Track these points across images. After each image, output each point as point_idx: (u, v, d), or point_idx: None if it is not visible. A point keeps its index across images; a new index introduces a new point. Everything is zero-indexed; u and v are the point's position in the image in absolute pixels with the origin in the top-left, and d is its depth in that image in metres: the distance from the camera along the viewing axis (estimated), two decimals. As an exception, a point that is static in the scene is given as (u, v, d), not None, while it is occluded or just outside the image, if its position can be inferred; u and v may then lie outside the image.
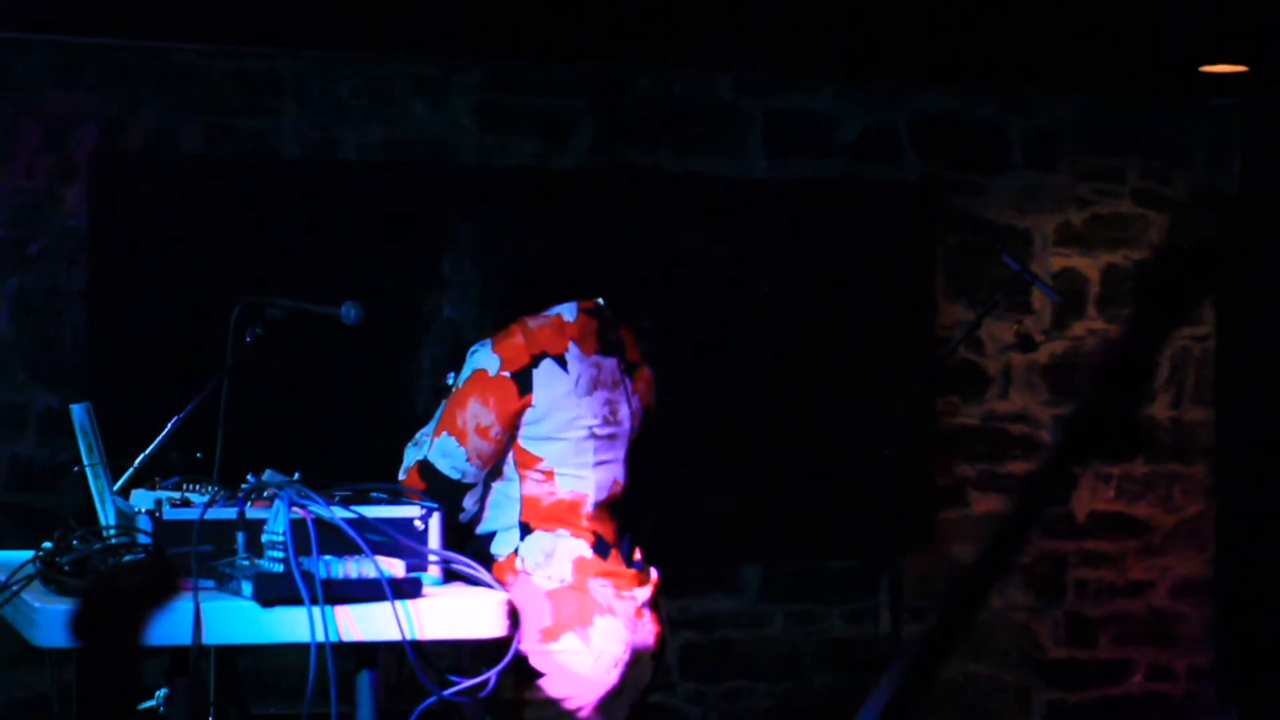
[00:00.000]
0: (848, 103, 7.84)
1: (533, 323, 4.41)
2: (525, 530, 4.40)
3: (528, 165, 7.42)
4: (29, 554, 4.05)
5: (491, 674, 3.96)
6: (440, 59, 7.35)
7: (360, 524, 3.92)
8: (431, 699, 3.92)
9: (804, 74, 7.73)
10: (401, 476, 4.43)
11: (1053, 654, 8.06)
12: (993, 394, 8.03)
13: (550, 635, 4.33)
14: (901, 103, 7.90)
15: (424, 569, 4.02)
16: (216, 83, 7.19)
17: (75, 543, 4.00)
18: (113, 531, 4.04)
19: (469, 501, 4.41)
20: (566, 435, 4.38)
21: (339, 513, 3.91)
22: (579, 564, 4.38)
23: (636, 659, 4.42)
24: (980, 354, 7.99)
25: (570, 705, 4.34)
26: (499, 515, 4.44)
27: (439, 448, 4.37)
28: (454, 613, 3.90)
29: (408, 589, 3.82)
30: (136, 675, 2.21)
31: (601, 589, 4.39)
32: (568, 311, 4.45)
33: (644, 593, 4.47)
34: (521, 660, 4.29)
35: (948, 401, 7.95)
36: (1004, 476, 8.01)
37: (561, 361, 4.38)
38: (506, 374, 4.35)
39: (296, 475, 4.03)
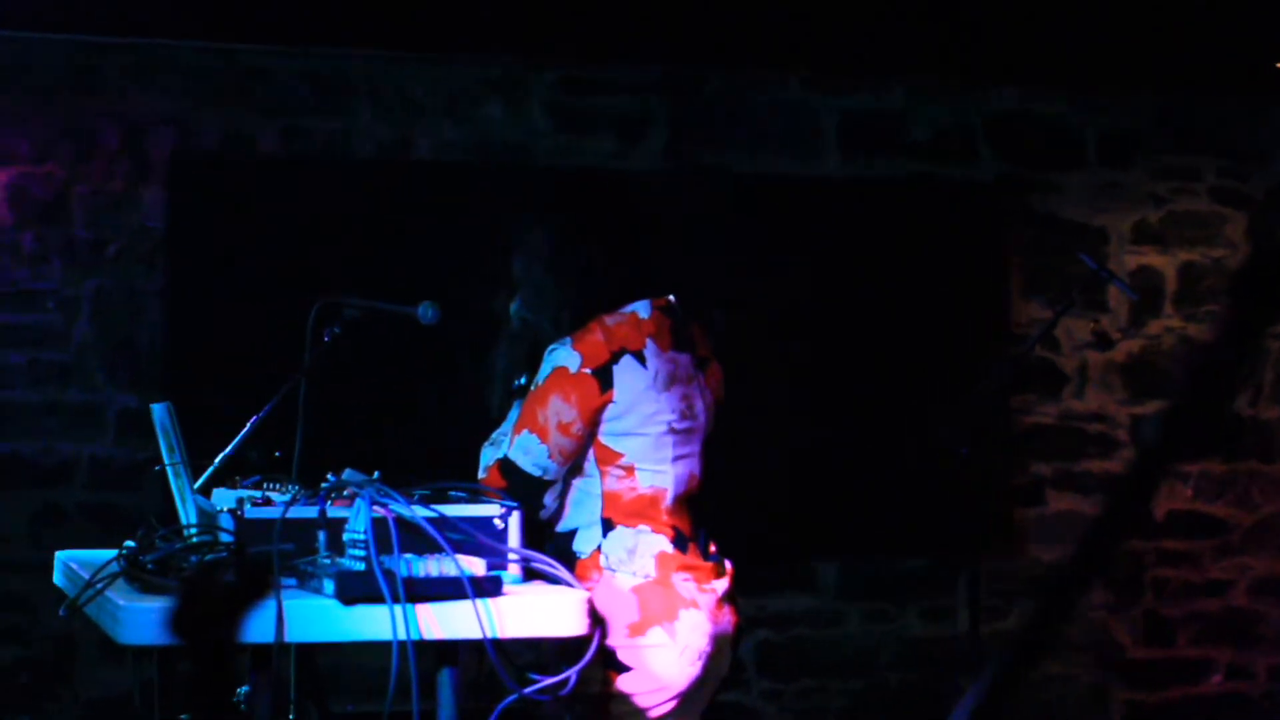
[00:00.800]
0: (921, 101, 7.82)
1: (610, 320, 4.43)
2: (607, 526, 4.42)
3: (601, 166, 7.43)
4: (111, 553, 4.07)
5: (572, 672, 3.97)
6: (514, 60, 7.37)
7: (441, 522, 3.93)
8: (512, 697, 3.93)
9: (876, 72, 7.71)
10: (481, 476, 4.44)
11: (1131, 654, 8.02)
12: (1069, 392, 7.99)
13: (637, 630, 4.35)
14: (975, 101, 7.87)
15: (504, 567, 4.03)
16: (292, 84, 7.23)
17: (158, 541, 4.03)
18: (194, 530, 4.06)
19: (549, 499, 4.43)
20: (646, 430, 4.40)
21: (420, 511, 3.92)
22: (661, 559, 4.40)
23: (719, 649, 4.45)
24: (1056, 352, 7.95)
25: (657, 698, 4.37)
26: (580, 512, 4.45)
27: (520, 445, 4.38)
28: (534, 611, 3.91)
29: (488, 587, 3.83)
30: (228, 672, 2.23)
31: (684, 583, 4.41)
32: (643, 309, 4.47)
33: (722, 584, 4.50)
34: (609, 655, 4.32)
35: (1024, 400, 7.92)
36: (1080, 475, 7.97)
37: (640, 358, 4.40)
38: (587, 370, 4.37)
39: (376, 474, 4.05)
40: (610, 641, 4.32)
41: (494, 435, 4.54)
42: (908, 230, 7.75)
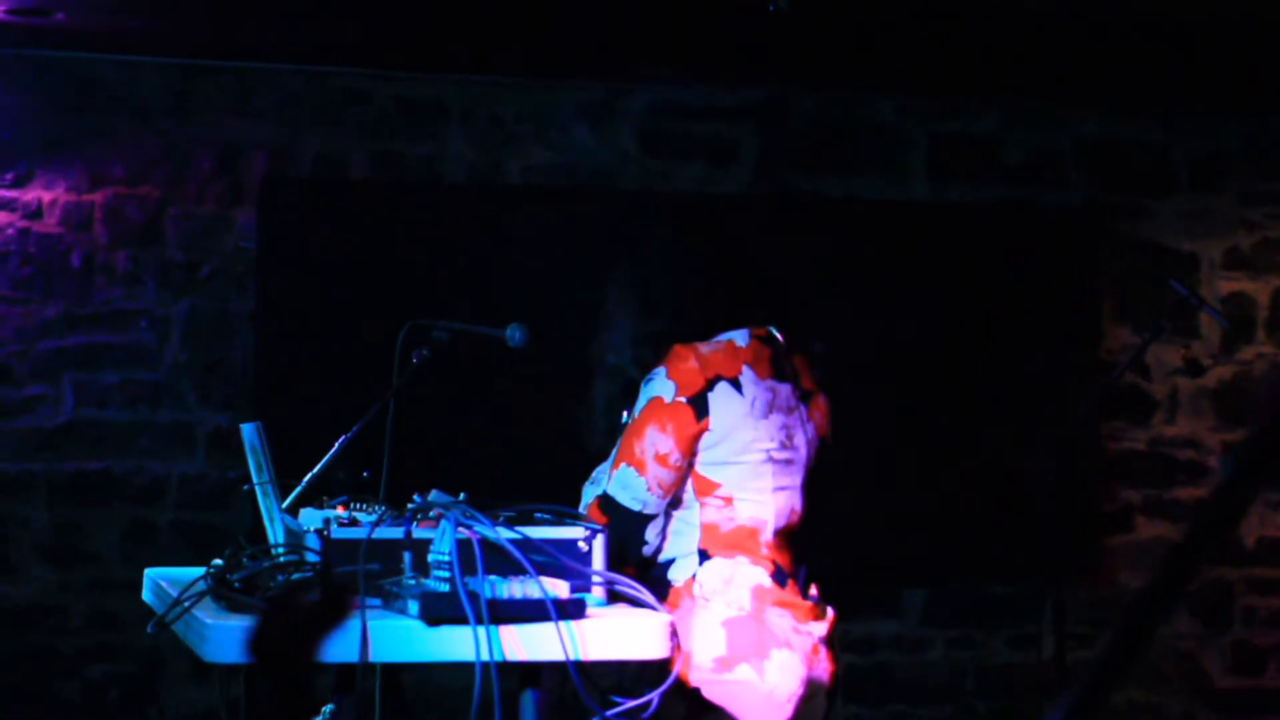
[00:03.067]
0: (1012, 126, 7.80)
1: (705, 348, 4.39)
2: (704, 557, 4.36)
3: (691, 191, 7.44)
4: (199, 571, 4.10)
5: (654, 695, 3.96)
6: (604, 84, 7.39)
7: (525, 544, 3.94)
8: (594, 719, 3.93)
9: (967, 97, 7.69)
10: (581, 514, 4.42)
11: (1219, 683, 7.95)
12: (1159, 419, 7.94)
13: (725, 665, 4.29)
14: (1066, 126, 7.84)
15: (588, 589, 4.03)
16: (383, 108, 7.28)
17: (245, 560, 4.06)
18: (282, 549, 4.09)
19: (651, 534, 4.38)
20: (744, 459, 4.35)
21: (504, 533, 3.93)
22: (757, 592, 4.34)
23: (811, 694, 4.37)
24: (1146, 378, 7.90)
25: None
26: (678, 542, 4.41)
27: (618, 480, 4.35)
28: (617, 633, 3.91)
29: (572, 609, 3.83)
30: (310, 692, 2.25)
31: (779, 619, 4.34)
32: (740, 337, 4.43)
33: (820, 628, 4.43)
34: (694, 690, 4.27)
35: (1113, 426, 7.87)
36: (1170, 502, 7.91)
37: (736, 384, 4.36)
38: (682, 399, 4.33)
39: (462, 496, 4.06)
40: (695, 676, 4.27)
41: (594, 473, 4.52)
42: (997, 256, 7.73)
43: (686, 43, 6.76)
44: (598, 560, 4.09)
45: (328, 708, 4.23)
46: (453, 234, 7.24)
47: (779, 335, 4.48)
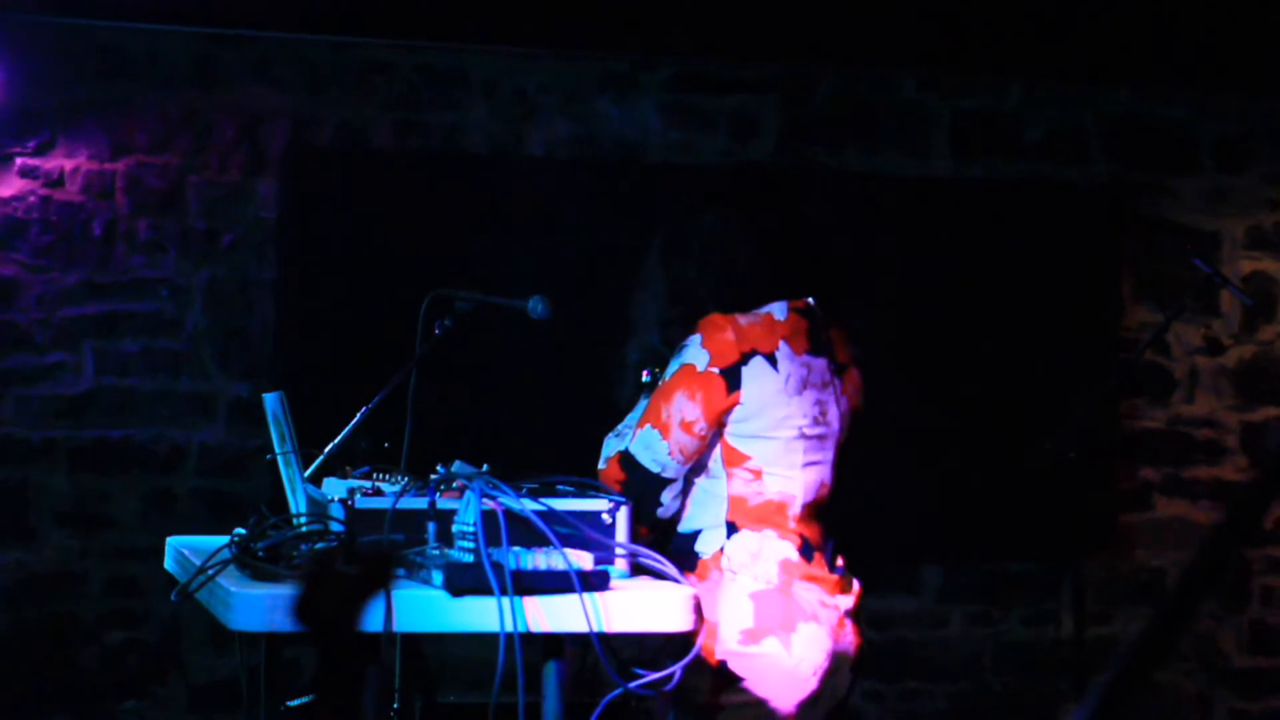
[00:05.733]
0: (1035, 102, 7.78)
1: (743, 320, 4.35)
2: (731, 529, 4.35)
3: (714, 164, 7.43)
4: (221, 539, 4.11)
5: (677, 668, 3.96)
6: (628, 56, 7.38)
7: (549, 516, 3.94)
8: (617, 691, 3.93)
9: (991, 73, 7.67)
10: (601, 466, 4.41)
11: (1236, 662, 7.95)
12: (1178, 398, 7.93)
13: (752, 638, 4.28)
14: (1089, 103, 7.82)
15: (611, 562, 4.03)
16: (405, 78, 7.28)
17: (269, 530, 4.06)
18: (305, 519, 4.10)
19: (668, 497, 4.36)
20: (776, 434, 4.33)
21: (528, 505, 3.94)
22: (784, 565, 4.33)
23: (836, 667, 4.36)
24: (1167, 357, 7.89)
25: (767, 710, 4.28)
26: (703, 513, 4.39)
27: (641, 439, 4.34)
28: (641, 606, 3.91)
29: (595, 581, 3.84)
30: (354, 659, 2.25)
31: (806, 593, 4.33)
32: (778, 310, 4.39)
33: (847, 601, 4.41)
34: (719, 664, 4.27)
35: (1132, 404, 7.86)
36: (1189, 481, 7.91)
37: (772, 360, 4.32)
38: (715, 370, 4.30)
39: (485, 467, 4.07)
40: (721, 649, 4.27)
41: (619, 426, 4.50)
42: (1019, 232, 7.71)
43: (710, 16, 6.75)
44: (621, 532, 4.09)
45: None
46: (474, 204, 7.24)
47: (817, 307, 4.45)
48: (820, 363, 4.41)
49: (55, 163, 7.02)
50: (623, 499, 4.13)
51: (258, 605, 3.72)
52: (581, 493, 4.16)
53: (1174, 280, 7.68)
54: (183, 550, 4.49)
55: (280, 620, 3.67)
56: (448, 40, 7.21)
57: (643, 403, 4.47)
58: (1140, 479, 7.88)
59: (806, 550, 4.36)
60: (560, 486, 4.17)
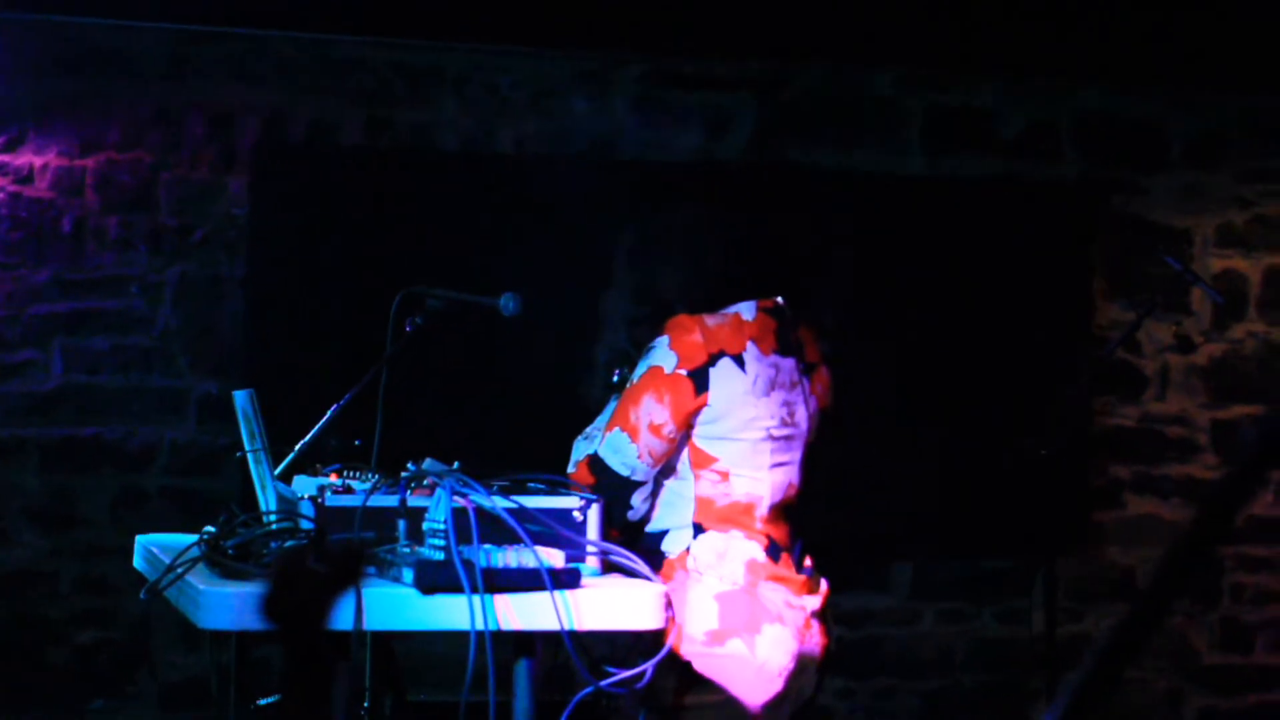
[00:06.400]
0: (1009, 100, 7.78)
1: (711, 320, 4.34)
2: (698, 530, 4.34)
3: (686, 161, 7.42)
4: (191, 537, 4.09)
5: (648, 666, 3.96)
6: (600, 53, 7.37)
7: (520, 514, 3.93)
8: (588, 689, 3.93)
9: (965, 70, 7.66)
10: (570, 470, 4.39)
11: (1207, 659, 7.96)
12: (1149, 395, 7.94)
13: (717, 639, 4.28)
14: (1063, 100, 7.82)
15: (582, 560, 4.03)
16: (377, 75, 7.26)
17: (238, 528, 4.05)
18: (275, 516, 4.09)
19: (637, 500, 4.35)
20: (743, 436, 4.32)
21: (499, 502, 3.93)
22: (751, 566, 4.32)
23: (802, 668, 4.35)
24: (1138, 355, 7.90)
25: (731, 711, 4.28)
26: (671, 514, 4.39)
27: (610, 443, 4.33)
28: (612, 604, 3.91)
29: (566, 579, 3.83)
30: (322, 657, 2.24)
31: (772, 594, 4.33)
32: (746, 310, 4.38)
33: (814, 601, 4.41)
34: (685, 665, 4.26)
35: (1104, 402, 7.87)
36: (1160, 479, 7.92)
37: (739, 361, 4.32)
38: (683, 372, 4.30)
39: (456, 464, 4.06)
40: (686, 649, 4.26)
41: (588, 429, 4.49)
42: (991, 229, 7.72)
43: (684, 12, 6.74)
44: (592, 530, 4.09)
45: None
46: (446, 201, 7.22)
47: (786, 306, 4.44)
48: (789, 363, 4.40)
49: (25, 159, 6.99)
50: (594, 496, 4.13)
51: (227, 603, 3.70)
52: (553, 490, 4.15)
53: (1146, 278, 7.69)
54: (152, 548, 4.47)
55: (250, 618, 3.65)
56: (419, 37, 7.19)
57: (611, 405, 4.46)
58: (1112, 477, 7.89)
59: (774, 551, 4.36)
60: (531, 484, 4.16)
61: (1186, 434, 7.96)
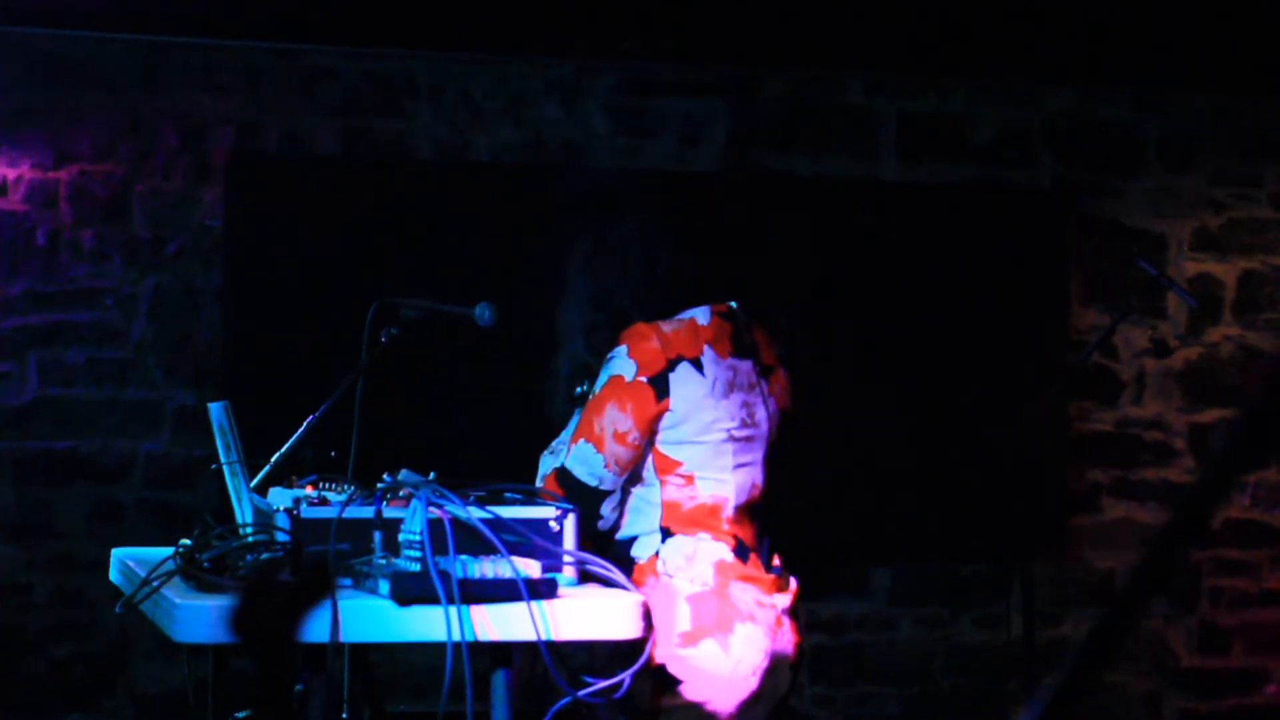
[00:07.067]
0: (981, 105, 7.79)
1: (667, 327, 4.38)
2: (666, 535, 4.37)
3: (660, 168, 7.42)
4: (167, 550, 4.08)
5: (626, 675, 3.95)
6: (574, 61, 7.36)
7: (496, 524, 3.93)
8: (566, 699, 3.92)
9: (937, 75, 7.67)
10: (538, 485, 4.41)
11: (1186, 663, 7.97)
12: (1126, 399, 7.95)
13: (689, 640, 4.30)
14: (1035, 104, 7.83)
15: (559, 570, 4.02)
16: (351, 84, 7.25)
17: (214, 540, 4.03)
18: (251, 529, 4.07)
19: (607, 509, 4.38)
20: (705, 439, 4.35)
21: (475, 513, 3.92)
22: (720, 567, 4.35)
23: (775, 667, 4.38)
24: (1114, 359, 7.91)
25: (706, 711, 4.30)
26: (639, 520, 4.41)
27: (576, 455, 4.35)
28: (589, 613, 3.90)
29: (543, 589, 3.83)
30: (291, 670, 2.23)
31: (743, 593, 4.35)
32: (701, 315, 4.42)
33: (784, 600, 4.44)
34: (659, 668, 4.27)
35: (1080, 406, 7.87)
36: (1137, 483, 7.93)
37: (697, 364, 4.35)
38: (643, 379, 4.32)
39: (432, 475, 4.05)
40: (660, 652, 4.27)
41: (553, 444, 4.50)
42: (966, 235, 7.72)
43: (656, 20, 6.74)
44: (569, 540, 4.08)
45: (297, 687, 4.21)
46: (421, 211, 7.21)
47: (740, 310, 4.48)
48: (746, 365, 4.44)
49: (-2, 172, 6.97)
50: (570, 506, 4.13)
51: (203, 616, 3.69)
52: (528, 500, 4.15)
53: (1121, 282, 7.70)
54: (127, 561, 4.45)
55: (225, 631, 3.64)
56: (393, 46, 7.19)
57: (576, 417, 4.47)
58: (1088, 481, 7.89)
59: (741, 551, 4.39)
60: (508, 494, 4.16)
61: (1163, 438, 7.97)
